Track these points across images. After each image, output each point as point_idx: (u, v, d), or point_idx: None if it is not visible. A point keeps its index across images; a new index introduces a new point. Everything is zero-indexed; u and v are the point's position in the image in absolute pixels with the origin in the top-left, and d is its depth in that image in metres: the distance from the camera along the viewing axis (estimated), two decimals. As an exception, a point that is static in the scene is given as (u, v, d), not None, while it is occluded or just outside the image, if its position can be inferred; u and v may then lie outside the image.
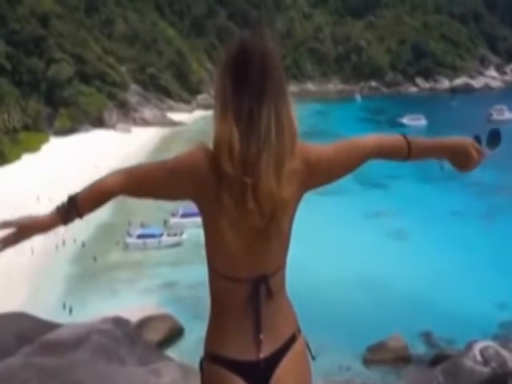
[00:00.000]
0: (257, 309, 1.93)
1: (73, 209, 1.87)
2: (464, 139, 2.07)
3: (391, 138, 2.06)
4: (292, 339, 2.01)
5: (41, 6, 69.59)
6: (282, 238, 1.94)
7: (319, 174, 1.96)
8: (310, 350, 2.07)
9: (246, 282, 1.92)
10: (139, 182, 1.91)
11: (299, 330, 2.06)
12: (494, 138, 2.12)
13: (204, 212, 1.93)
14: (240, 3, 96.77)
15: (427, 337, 26.85)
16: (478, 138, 2.11)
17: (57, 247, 37.59)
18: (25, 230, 1.87)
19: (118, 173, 1.92)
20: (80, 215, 1.89)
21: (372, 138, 2.04)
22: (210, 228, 1.93)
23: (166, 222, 42.16)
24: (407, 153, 2.03)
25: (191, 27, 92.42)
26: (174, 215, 42.43)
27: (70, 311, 29.03)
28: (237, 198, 1.82)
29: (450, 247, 36.29)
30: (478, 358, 19.50)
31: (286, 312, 2.04)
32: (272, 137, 1.82)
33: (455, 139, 2.07)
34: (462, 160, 2.07)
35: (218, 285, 1.97)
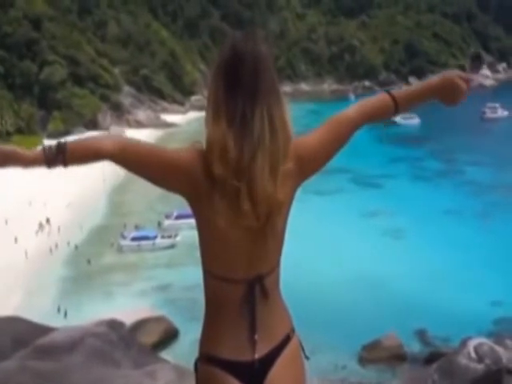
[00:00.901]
0: (252, 309, 1.93)
1: (60, 154, 1.80)
2: (448, 73, 2.03)
3: (374, 99, 2.05)
4: (286, 339, 2.00)
5: (33, 8, 69.42)
6: (277, 238, 1.94)
7: (312, 164, 1.97)
8: (303, 350, 2.07)
9: (241, 282, 1.92)
10: (132, 158, 1.87)
11: (293, 330, 2.05)
12: (476, 61, 2.09)
13: (198, 213, 1.92)
14: (233, 4, 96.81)
15: (422, 335, 26.93)
16: (478, 56, 2.06)
17: (51, 250, 37.49)
18: (4, 156, 1.79)
19: (117, 140, 1.87)
20: (65, 163, 1.82)
21: (354, 107, 2.04)
22: (204, 230, 1.93)
23: (160, 224, 42.10)
24: (394, 107, 2.03)
25: (184, 28, 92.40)
26: (168, 217, 42.37)
27: (65, 314, 28.94)
28: (231, 200, 1.82)
29: (445, 246, 36.40)
30: (473, 355, 19.56)
31: (280, 312, 2.03)
32: (266, 138, 1.81)
33: (440, 77, 2.04)
34: (451, 94, 2.02)
35: (213, 286, 1.96)
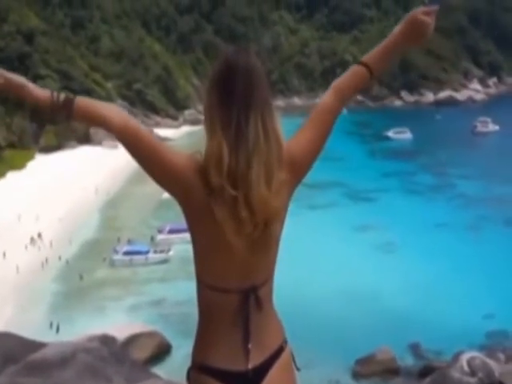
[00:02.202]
0: (246, 319, 1.93)
1: (65, 107, 1.83)
2: (409, 15, 2.06)
3: (347, 76, 2.08)
4: (280, 350, 2.01)
5: (26, 22, 69.54)
6: (273, 247, 1.97)
7: (304, 164, 1.99)
8: (295, 362, 2.07)
9: (235, 292, 1.93)
10: (132, 143, 1.88)
11: (286, 341, 2.06)
12: None
13: (193, 222, 1.92)
14: (226, 19, 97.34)
15: (415, 348, 26.87)
16: None
17: (43, 265, 37.22)
18: (12, 84, 1.81)
19: (124, 120, 1.88)
20: (68, 118, 1.85)
21: (330, 92, 2.07)
22: (200, 239, 1.93)
23: (152, 239, 41.93)
24: (369, 74, 2.06)
25: (178, 43, 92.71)
26: (160, 231, 42.22)
27: (57, 329, 28.70)
28: (229, 209, 1.83)
29: (437, 259, 36.46)
30: (466, 368, 19.56)
31: (273, 322, 2.04)
32: (261, 144, 1.85)
33: (402, 23, 2.08)
34: (419, 32, 2.06)
35: (207, 296, 1.97)
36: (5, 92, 1.84)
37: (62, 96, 1.85)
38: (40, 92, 1.85)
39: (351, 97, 2.09)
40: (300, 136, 2.01)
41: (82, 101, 1.86)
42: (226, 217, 1.83)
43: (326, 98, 2.07)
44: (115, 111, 1.89)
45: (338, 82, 2.08)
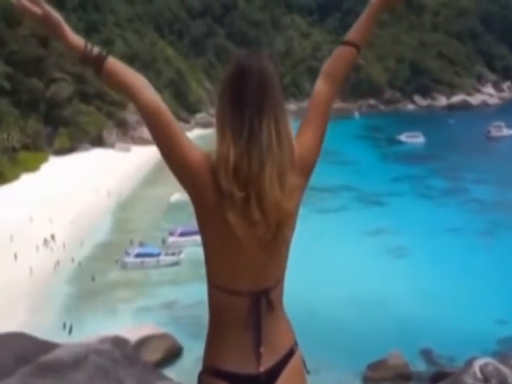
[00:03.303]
0: (257, 322, 1.93)
1: (99, 58, 1.84)
2: None
3: (334, 59, 2.11)
4: (290, 353, 2.01)
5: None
6: (284, 250, 1.97)
7: (311, 159, 2.00)
8: (305, 365, 2.07)
9: (247, 295, 1.93)
10: (159, 120, 1.87)
11: (296, 344, 2.06)
12: None
13: (205, 224, 1.92)
14: (239, 23, 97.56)
15: (427, 354, 26.68)
16: None
17: (55, 267, 37.44)
18: (50, 18, 1.82)
19: (156, 95, 1.89)
20: (98, 70, 1.85)
21: (321, 79, 2.08)
22: (212, 242, 1.93)
23: (164, 241, 42.04)
24: (356, 50, 2.11)
25: (190, 47, 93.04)
26: (172, 234, 42.31)
27: (70, 331, 28.82)
28: (241, 212, 1.83)
29: (449, 264, 36.20)
30: (478, 375, 19.38)
31: (284, 325, 2.04)
32: (274, 147, 1.85)
33: None
34: None
35: (218, 299, 1.97)
36: (42, 24, 1.83)
37: (96, 50, 1.85)
38: (75, 37, 1.86)
39: (344, 79, 2.10)
40: (303, 137, 2.00)
41: (115, 62, 1.87)
42: (238, 220, 1.83)
43: (319, 86, 2.07)
44: (147, 86, 1.90)
45: (327, 68, 2.10)
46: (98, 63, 1.85)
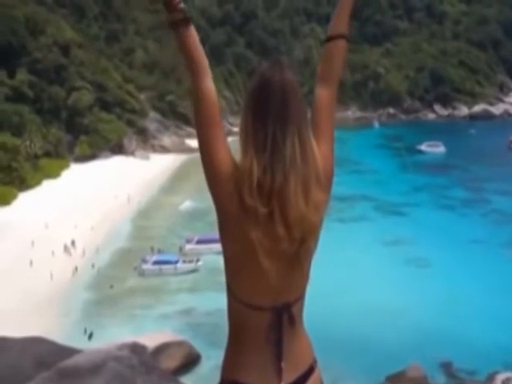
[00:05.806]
0: (279, 337, 1.91)
1: (185, 19, 1.92)
2: None
3: (323, 59, 2.12)
4: (310, 369, 2.00)
5: (63, 35, 71.08)
6: (307, 263, 1.94)
7: (330, 173, 1.99)
8: (322, 382, 2.06)
9: (268, 310, 1.91)
10: (206, 105, 1.93)
11: (315, 361, 2.04)
12: None
13: (225, 235, 1.91)
14: (258, 32, 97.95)
15: (447, 367, 26.32)
16: None
17: (75, 273, 37.76)
18: None
19: (212, 86, 1.98)
20: (176, 30, 1.92)
21: (318, 83, 2.10)
22: (231, 254, 1.91)
23: (181, 249, 42.13)
24: (345, 40, 2.12)
25: (210, 55, 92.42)
26: (189, 242, 42.41)
27: (90, 337, 28.99)
28: (265, 230, 1.81)
29: (471, 275, 35.74)
30: (501, 389, 19.06)
31: (304, 341, 2.02)
32: (298, 160, 1.83)
33: None
34: None
35: (239, 311, 1.95)
36: None
37: (184, 13, 1.92)
38: None
39: (340, 76, 2.11)
40: (321, 148, 1.97)
41: (196, 35, 1.95)
42: (260, 237, 1.81)
43: (318, 93, 2.09)
44: (210, 73, 1.99)
45: (321, 72, 2.11)
46: (180, 21, 1.91)
